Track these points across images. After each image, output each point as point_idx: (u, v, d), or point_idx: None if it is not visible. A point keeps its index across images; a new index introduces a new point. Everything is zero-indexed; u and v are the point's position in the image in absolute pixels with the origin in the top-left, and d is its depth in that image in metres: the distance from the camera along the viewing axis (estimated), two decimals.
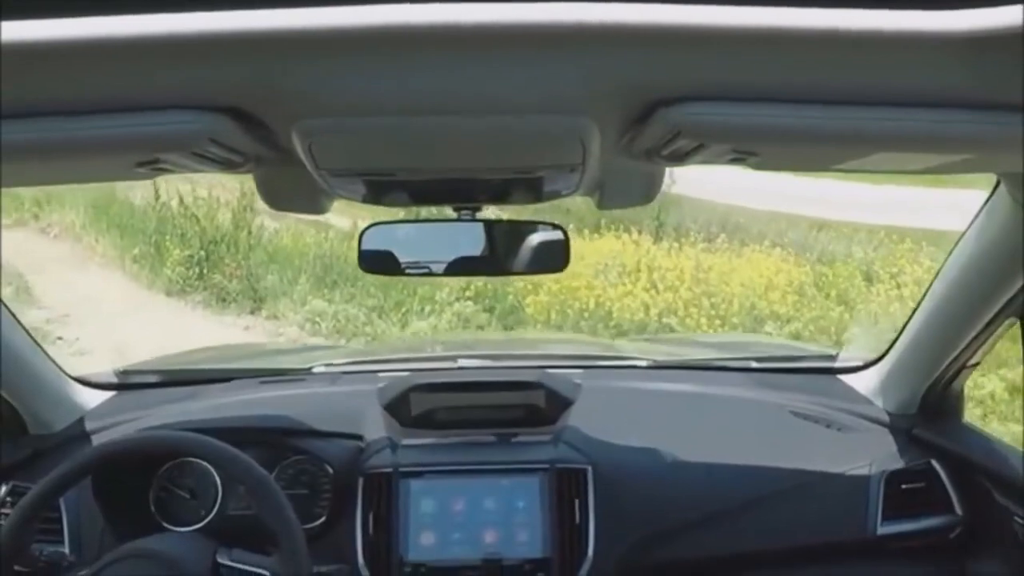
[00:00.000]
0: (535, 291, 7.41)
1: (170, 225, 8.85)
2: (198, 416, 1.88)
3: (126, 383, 2.12)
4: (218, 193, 9.32)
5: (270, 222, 9.54)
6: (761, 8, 0.66)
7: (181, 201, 8.89)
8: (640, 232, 9.19)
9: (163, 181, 8.63)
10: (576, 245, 8.23)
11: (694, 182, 9.64)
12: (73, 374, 2.00)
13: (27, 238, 9.51)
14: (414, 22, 0.66)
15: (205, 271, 8.24)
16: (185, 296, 8.08)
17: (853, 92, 0.76)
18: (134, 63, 0.70)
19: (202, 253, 8.34)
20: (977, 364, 1.79)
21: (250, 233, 8.89)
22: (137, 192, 9.74)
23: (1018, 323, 1.59)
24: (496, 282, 7.28)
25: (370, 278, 7.53)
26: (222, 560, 1.44)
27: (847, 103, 0.77)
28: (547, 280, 7.30)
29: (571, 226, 9.59)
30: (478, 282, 7.40)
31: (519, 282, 7.38)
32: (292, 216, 10.07)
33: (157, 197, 9.30)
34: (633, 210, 10.44)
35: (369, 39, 0.68)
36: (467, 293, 7.53)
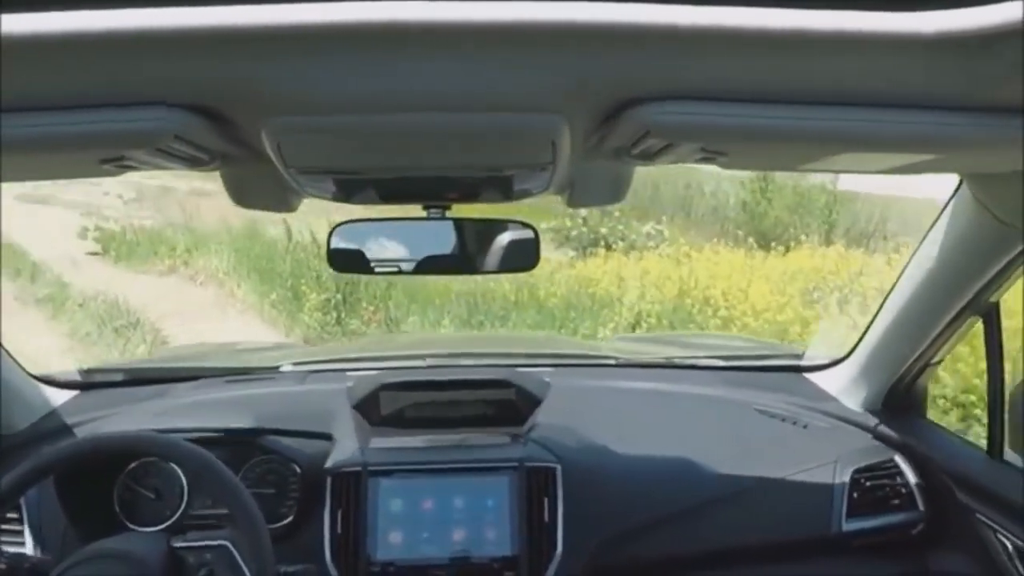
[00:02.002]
0: (733, 327, 6.50)
1: (305, 267, 8.44)
2: (163, 415, 1.86)
3: (91, 382, 2.09)
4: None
5: None
6: (729, 8, 0.66)
7: (313, 239, 8.45)
8: (828, 239, 8.71)
9: (293, 219, 8.57)
10: (757, 265, 7.93)
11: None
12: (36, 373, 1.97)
13: (175, 285, 9.45)
14: (384, 19, 0.65)
15: (343, 316, 7.77)
16: (324, 344, 7.54)
17: (819, 93, 0.77)
18: (98, 59, 0.69)
19: (339, 296, 7.83)
20: (940, 362, 1.82)
21: None
22: (278, 230, 9.46)
23: (980, 321, 1.62)
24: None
25: (522, 317, 7.22)
26: (176, 544, 1.43)
27: (814, 103, 0.78)
28: (761, 314, 6.52)
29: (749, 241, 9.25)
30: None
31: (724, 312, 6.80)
32: None
33: (289, 238, 8.96)
34: (789, 215, 10.03)
35: (339, 36, 0.67)
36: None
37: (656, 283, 7.64)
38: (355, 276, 7.36)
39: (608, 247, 10.00)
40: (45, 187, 12.76)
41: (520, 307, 7.72)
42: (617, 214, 10.12)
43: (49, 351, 6.90)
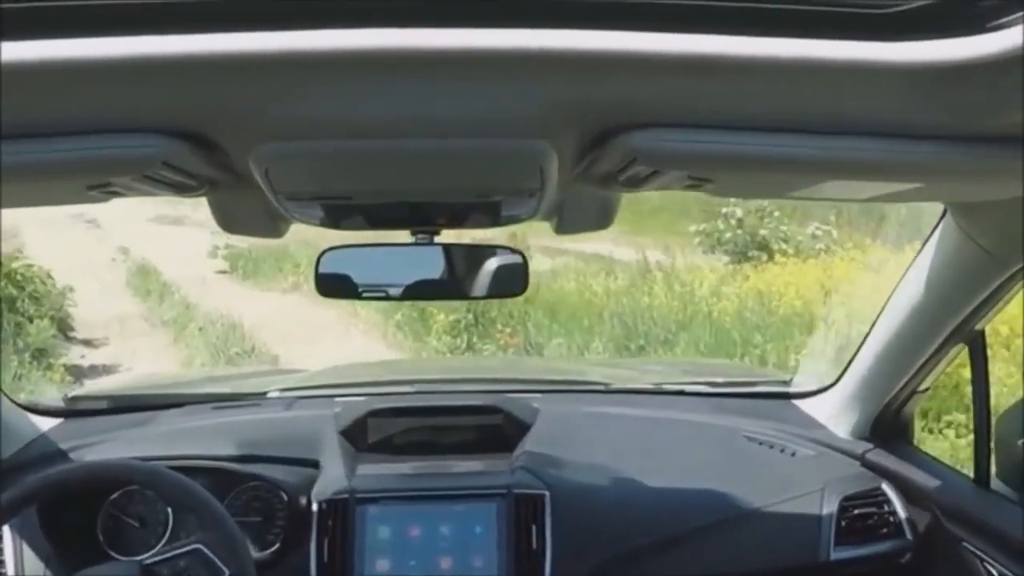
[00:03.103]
0: None
1: None
2: (148, 443, 1.84)
3: (75, 409, 2.07)
4: (485, 236, 8.28)
5: (543, 259, 8.25)
6: (715, 37, 0.67)
7: None
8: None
9: None
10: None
11: None
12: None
13: (298, 303, 9.17)
14: (372, 47, 0.66)
15: (474, 339, 7.07)
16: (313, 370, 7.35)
17: (805, 121, 0.78)
18: (86, 86, 0.69)
19: (469, 317, 7.13)
20: (927, 390, 1.83)
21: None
22: None
23: (966, 349, 1.62)
24: None
25: (693, 341, 6.34)
26: (149, 562, 1.43)
27: (802, 132, 0.79)
28: None
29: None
30: None
31: None
32: (572, 253, 9.01)
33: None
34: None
35: (327, 63, 0.67)
36: None
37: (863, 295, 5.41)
38: None
39: (770, 252, 9.00)
40: (179, 208, 12.94)
41: (684, 326, 6.70)
42: (777, 213, 9.18)
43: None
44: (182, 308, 9.33)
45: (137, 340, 8.47)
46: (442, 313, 7.14)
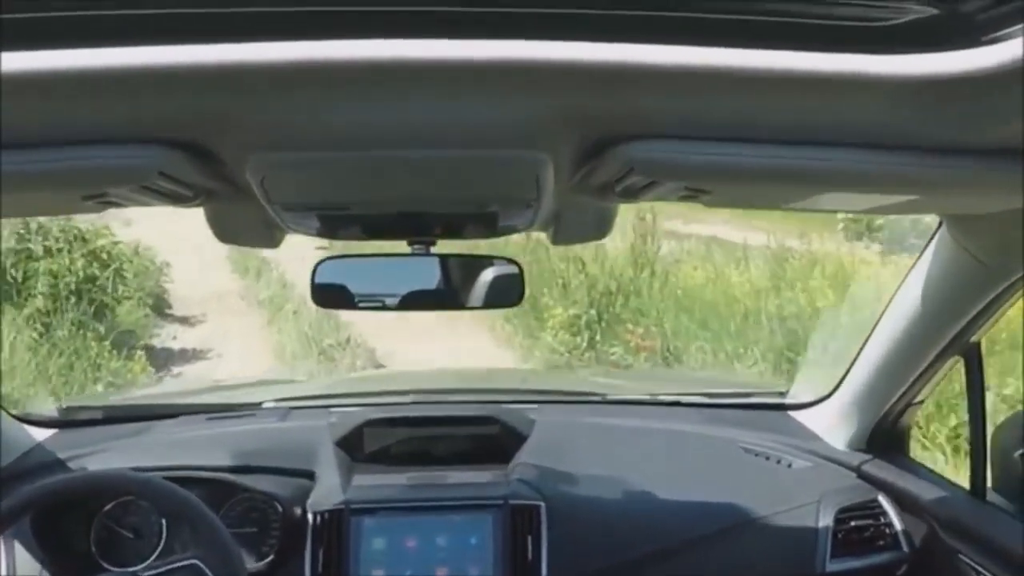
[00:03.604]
0: None
1: (547, 273, 6.85)
2: (143, 453, 1.84)
3: (70, 420, 2.06)
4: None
5: (667, 245, 7.31)
6: (712, 49, 0.67)
7: None
8: None
9: None
10: None
11: None
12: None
13: None
14: (369, 58, 0.66)
15: (597, 338, 6.21)
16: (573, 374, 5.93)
17: (803, 133, 0.78)
18: (83, 97, 0.69)
19: (592, 313, 6.28)
20: (923, 402, 1.83)
21: (653, 274, 6.51)
22: None
23: (962, 361, 1.62)
24: None
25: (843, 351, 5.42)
26: (143, 575, 1.42)
27: (798, 143, 0.79)
28: None
29: None
30: None
31: None
32: (681, 235, 8.18)
33: (529, 235, 7.36)
34: None
35: (324, 74, 0.67)
36: None
37: None
38: (616, 286, 6.44)
39: None
40: None
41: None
42: None
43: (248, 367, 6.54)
44: (278, 287, 8.92)
45: (232, 320, 8.11)
46: (560, 307, 6.36)
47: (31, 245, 7.31)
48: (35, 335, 6.52)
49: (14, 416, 1.93)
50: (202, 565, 1.43)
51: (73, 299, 7.08)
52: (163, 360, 7.33)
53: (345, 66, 0.66)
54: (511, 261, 1.60)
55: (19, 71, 0.65)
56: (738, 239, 7.62)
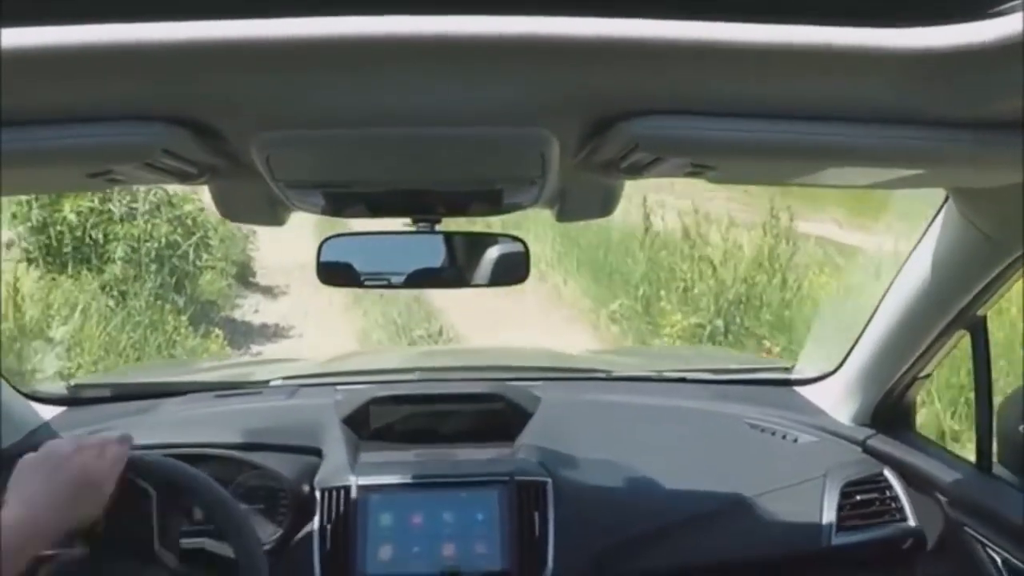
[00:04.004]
0: None
1: (666, 271, 6.18)
2: (151, 431, 1.85)
3: (78, 397, 2.07)
4: (738, 213, 6.50)
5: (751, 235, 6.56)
6: (717, 23, 0.67)
7: (686, 234, 6.14)
8: None
9: (655, 204, 6.44)
10: None
11: None
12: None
13: None
14: (373, 34, 0.66)
15: None
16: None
17: (809, 107, 0.78)
18: (87, 73, 0.69)
19: (718, 323, 5.47)
20: (929, 376, 1.83)
21: (785, 282, 5.64)
22: (627, 215, 6.80)
23: (968, 335, 1.62)
24: None
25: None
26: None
27: (803, 118, 0.78)
28: None
29: None
30: None
31: None
32: (812, 234, 7.14)
33: (647, 228, 6.59)
34: None
35: (327, 51, 0.67)
36: None
37: None
38: (747, 295, 5.64)
39: None
40: None
41: None
42: None
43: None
44: None
45: (315, 296, 7.48)
46: (679, 313, 5.57)
47: (112, 207, 7.03)
48: (111, 303, 6.31)
49: (22, 393, 1.94)
50: (218, 546, 1.43)
51: (154, 267, 6.84)
52: (242, 336, 7.10)
53: (348, 43, 0.66)
54: (516, 239, 1.60)
55: (23, 47, 0.64)
56: (850, 240, 6.94)
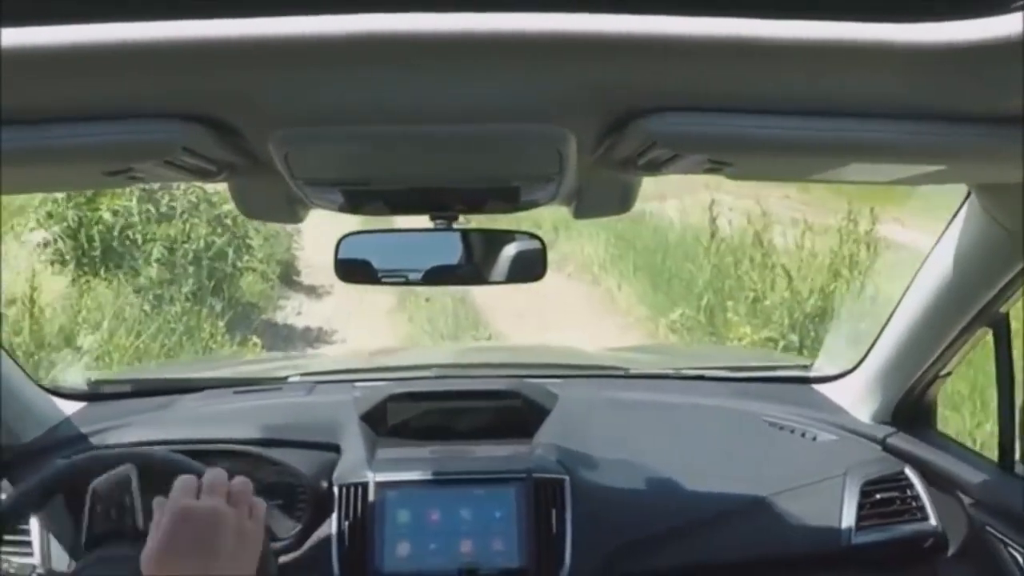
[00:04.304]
0: None
1: (733, 279, 5.70)
2: (170, 426, 1.86)
3: (98, 393, 2.09)
4: (815, 217, 6.00)
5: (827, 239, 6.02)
6: (735, 19, 0.66)
7: (757, 241, 5.61)
8: None
9: (722, 204, 5.95)
10: None
11: None
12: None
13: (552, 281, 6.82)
14: (391, 31, 0.66)
15: None
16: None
17: (828, 103, 0.77)
18: (107, 72, 0.69)
19: (792, 338, 5.10)
20: (950, 374, 1.81)
21: (863, 291, 5.13)
22: (685, 216, 6.55)
23: (991, 333, 1.61)
24: None
25: None
26: None
27: (822, 114, 0.78)
28: None
29: None
30: None
31: None
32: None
33: (713, 232, 6.12)
34: None
35: (346, 49, 0.67)
36: None
37: None
38: (827, 306, 5.26)
39: None
40: None
41: None
42: None
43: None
44: None
45: (359, 298, 7.31)
46: (748, 326, 5.20)
47: (150, 206, 6.79)
48: (146, 308, 6.06)
49: (44, 388, 1.96)
50: None
51: (191, 269, 6.59)
52: (282, 341, 6.79)
53: (366, 40, 0.66)
54: (533, 236, 1.60)
55: (42, 45, 0.65)
56: (909, 240, 6.37)
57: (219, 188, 6.49)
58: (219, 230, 7.17)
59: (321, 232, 7.47)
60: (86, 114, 0.75)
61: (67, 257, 6.54)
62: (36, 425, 1.87)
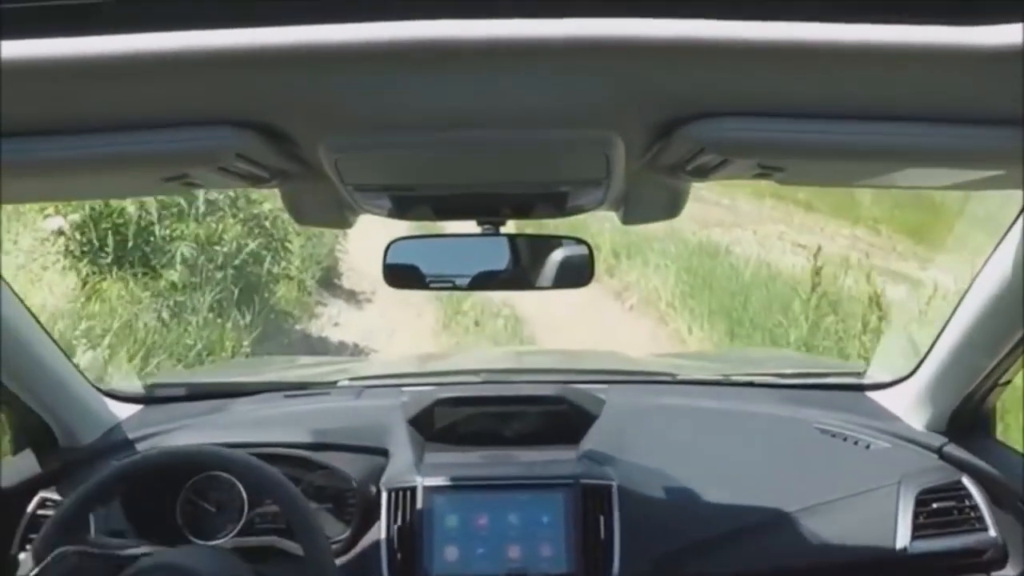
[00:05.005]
0: None
1: (832, 340, 4.91)
2: (224, 430, 1.89)
3: (153, 396, 2.14)
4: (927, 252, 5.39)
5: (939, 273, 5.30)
6: (783, 23, 0.66)
7: (873, 303, 4.71)
8: None
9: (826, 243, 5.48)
10: None
11: None
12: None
13: (590, 298, 6.33)
14: (440, 37, 0.66)
15: None
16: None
17: (879, 107, 0.76)
18: (164, 80, 0.71)
19: None
20: (1009, 382, 1.77)
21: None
22: (766, 254, 5.84)
23: None
24: None
25: None
26: (229, 546, 1.46)
27: (873, 118, 0.77)
28: None
29: None
30: None
31: None
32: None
33: (815, 285, 5.23)
34: None
35: (395, 55, 0.68)
36: None
37: None
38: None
39: None
40: None
41: None
42: None
43: None
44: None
45: (401, 311, 6.86)
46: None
47: (182, 200, 5.99)
48: (165, 316, 5.42)
49: (102, 391, 2.01)
50: (285, 539, 1.47)
51: (219, 275, 5.85)
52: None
53: (417, 46, 0.67)
54: (580, 241, 1.60)
55: (101, 55, 0.67)
56: None
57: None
58: (256, 230, 6.55)
59: (367, 236, 6.59)
60: (145, 122, 0.77)
61: (81, 252, 5.72)
62: (94, 428, 1.91)
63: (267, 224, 6.73)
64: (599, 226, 7.65)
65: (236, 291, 6.00)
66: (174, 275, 5.69)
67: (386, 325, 6.89)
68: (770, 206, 9.35)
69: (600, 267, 6.55)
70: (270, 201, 6.61)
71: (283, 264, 6.84)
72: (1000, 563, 1.74)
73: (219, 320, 5.65)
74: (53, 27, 0.66)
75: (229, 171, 0.91)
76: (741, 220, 8.33)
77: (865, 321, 4.81)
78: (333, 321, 7.23)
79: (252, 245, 6.45)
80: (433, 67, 0.70)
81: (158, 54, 0.67)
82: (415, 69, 0.71)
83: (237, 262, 6.20)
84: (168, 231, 5.91)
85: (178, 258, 5.76)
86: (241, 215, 6.47)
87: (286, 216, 6.37)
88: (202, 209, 6.22)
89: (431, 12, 0.66)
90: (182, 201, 6.06)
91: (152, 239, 5.85)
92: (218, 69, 0.69)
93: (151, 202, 5.85)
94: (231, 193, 6.36)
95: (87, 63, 0.67)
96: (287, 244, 6.96)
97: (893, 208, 8.44)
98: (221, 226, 6.22)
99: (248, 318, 5.95)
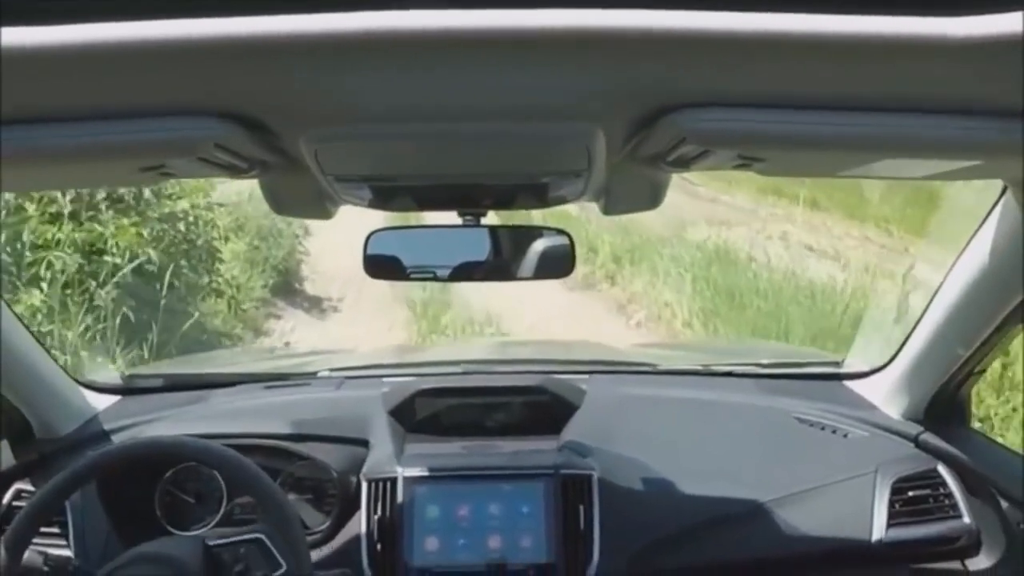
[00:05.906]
0: None
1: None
2: (203, 421, 1.88)
3: (132, 387, 2.12)
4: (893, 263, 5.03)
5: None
6: (764, 14, 0.66)
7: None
8: None
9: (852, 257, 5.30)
10: None
11: None
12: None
13: (587, 307, 5.89)
14: (420, 29, 0.66)
15: None
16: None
17: (859, 98, 0.76)
18: (141, 69, 0.70)
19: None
20: (984, 371, 1.79)
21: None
22: (795, 262, 5.27)
23: None
24: None
25: None
26: (212, 543, 1.45)
27: (853, 109, 0.77)
28: None
29: None
30: None
31: None
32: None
33: (856, 294, 4.89)
34: None
35: (376, 46, 0.68)
36: None
37: None
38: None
39: None
40: None
41: None
42: None
43: None
44: (438, 289, 6.40)
45: (370, 320, 6.09)
46: None
47: (59, 195, 4.49)
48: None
49: (79, 382, 1.99)
50: (267, 540, 1.47)
51: (105, 292, 4.45)
52: None
53: (396, 37, 0.66)
54: (561, 232, 1.60)
55: (77, 43, 0.66)
56: None
57: (185, 181, 4.75)
58: (171, 235, 5.19)
59: (332, 232, 6.26)
60: (123, 111, 0.77)
61: None
62: (71, 419, 1.90)
63: (182, 228, 5.39)
64: (597, 225, 7.34)
65: (131, 315, 4.75)
66: (37, 296, 4.24)
67: (351, 333, 6.10)
68: (771, 203, 9.29)
69: (599, 274, 6.63)
70: (189, 197, 5.54)
71: (208, 277, 5.58)
72: (974, 550, 1.77)
73: (97, 357, 4.39)
74: (35, 16, 0.65)
75: (208, 161, 0.90)
76: (743, 219, 8.23)
77: None
78: (284, 340, 6.24)
79: (152, 253, 5.05)
80: (414, 59, 0.70)
81: (137, 43, 0.66)
82: (396, 61, 0.70)
83: (129, 278, 4.82)
84: (33, 236, 4.44)
85: (44, 273, 4.30)
86: (155, 214, 5.17)
87: (210, 216, 5.61)
88: (77, 210, 4.70)
89: (412, 3, 0.65)
90: (59, 196, 4.56)
91: (17, 247, 4.40)
92: (198, 59, 0.69)
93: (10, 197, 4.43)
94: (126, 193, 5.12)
95: (67, 52, 0.66)
96: (215, 251, 5.72)
97: (904, 207, 8.09)
98: (110, 229, 4.80)
99: (145, 350, 4.75)
